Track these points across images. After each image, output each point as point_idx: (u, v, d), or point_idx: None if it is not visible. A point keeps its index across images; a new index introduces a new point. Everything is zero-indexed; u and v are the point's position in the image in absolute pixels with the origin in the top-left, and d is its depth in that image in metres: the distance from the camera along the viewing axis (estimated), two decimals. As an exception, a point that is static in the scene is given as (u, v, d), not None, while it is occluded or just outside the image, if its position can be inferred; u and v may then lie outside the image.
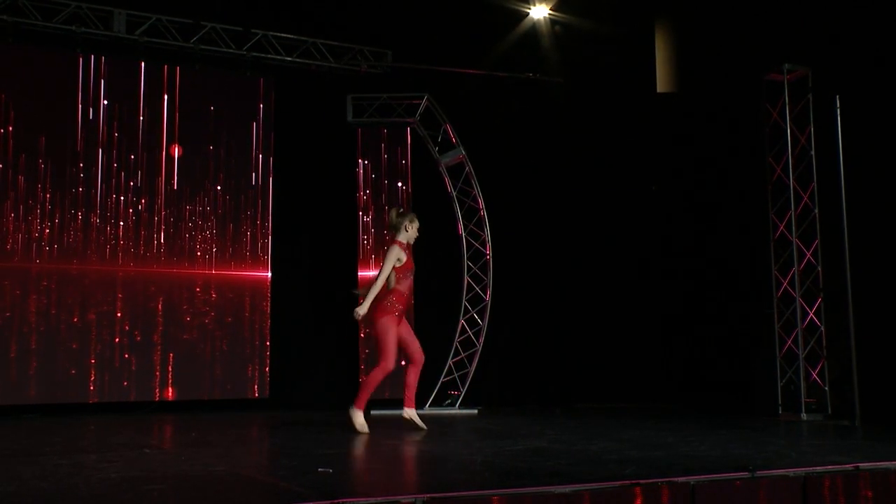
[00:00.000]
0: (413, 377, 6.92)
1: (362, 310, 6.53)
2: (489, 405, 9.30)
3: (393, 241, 6.78)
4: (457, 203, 9.41)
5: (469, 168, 9.38)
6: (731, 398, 9.13)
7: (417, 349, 6.90)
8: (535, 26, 10.17)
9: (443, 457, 5.28)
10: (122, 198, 9.04)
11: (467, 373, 9.17)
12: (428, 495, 3.56)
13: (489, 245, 9.36)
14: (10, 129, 8.67)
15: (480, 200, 9.38)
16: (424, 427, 6.82)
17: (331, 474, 4.33)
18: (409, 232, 6.79)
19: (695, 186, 10.29)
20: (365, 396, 6.75)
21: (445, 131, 9.42)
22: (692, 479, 3.95)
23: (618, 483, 3.84)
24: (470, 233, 9.42)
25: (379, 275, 6.62)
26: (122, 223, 9.01)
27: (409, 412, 6.92)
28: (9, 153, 8.65)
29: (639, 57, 10.74)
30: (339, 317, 9.59)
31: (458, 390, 9.12)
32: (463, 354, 9.23)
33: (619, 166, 10.60)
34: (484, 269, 9.37)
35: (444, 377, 9.17)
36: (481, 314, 9.28)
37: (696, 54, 10.40)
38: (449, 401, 9.11)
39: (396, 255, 6.63)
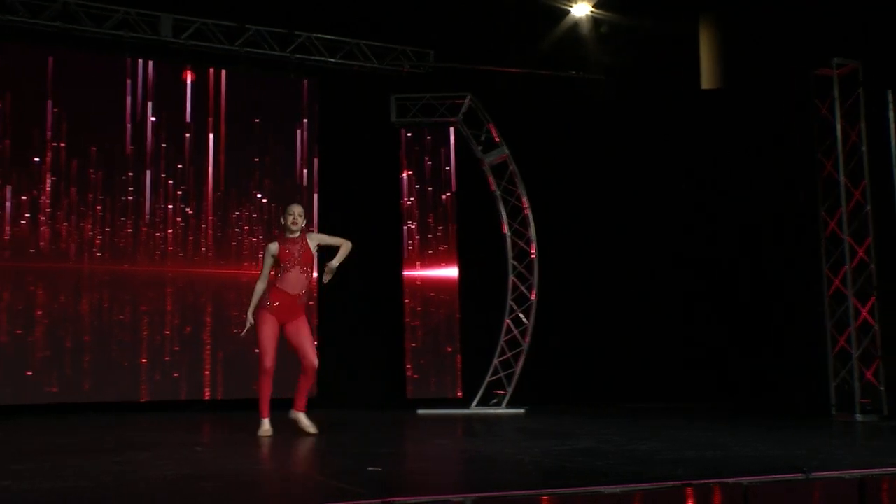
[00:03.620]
0: (302, 382, 6.53)
1: (249, 316, 6.34)
2: (536, 405, 9.27)
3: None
4: (501, 202, 9.39)
5: (513, 167, 9.36)
6: (782, 399, 9.00)
7: (306, 355, 6.46)
8: (576, 24, 10.12)
9: (491, 456, 5.28)
10: (170, 206, 9.16)
11: (513, 372, 9.15)
12: (478, 495, 3.57)
13: (534, 244, 9.33)
14: (63, 144, 8.83)
15: (524, 199, 9.36)
16: (313, 431, 6.41)
17: (380, 473, 4.36)
18: (284, 223, 6.38)
19: (741, 184, 10.16)
20: (261, 403, 6.43)
21: (488, 130, 9.41)
22: (745, 479, 3.89)
23: (669, 484, 3.81)
24: (514, 232, 9.40)
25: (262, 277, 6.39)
26: (170, 230, 9.14)
27: (295, 414, 6.53)
28: (61, 161, 8.81)
29: (682, 53, 10.62)
30: (384, 318, 9.67)
31: (505, 390, 9.10)
32: (509, 354, 9.21)
33: (662, 163, 10.51)
34: (529, 268, 9.34)
35: (491, 377, 9.17)
36: (527, 313, 9.25)
37: (742, 50, 10.26)
38: (495, 400, 9.10)
39: (270, 252, 6.32)
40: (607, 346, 10.23)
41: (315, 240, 6.48)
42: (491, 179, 9.39)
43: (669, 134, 10.48)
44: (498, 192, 9.38)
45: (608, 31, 10.03)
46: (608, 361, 10.20)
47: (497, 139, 9.38)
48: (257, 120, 9.62)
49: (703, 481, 3.83)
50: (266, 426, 6.31)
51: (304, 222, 6.43)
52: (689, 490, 3.71)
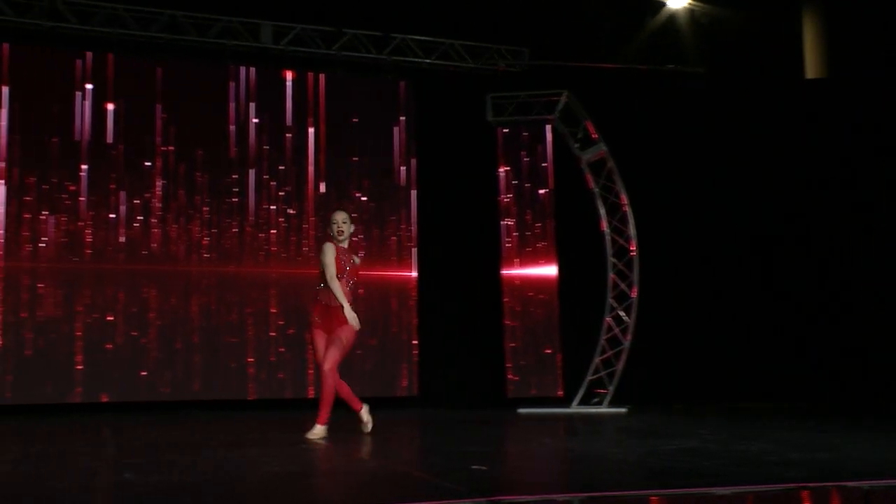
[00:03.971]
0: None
1: (350, 312, 6.04)
2: (637, 404, 9.14)
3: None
4: (599, 199, 9.29)
5: (611, 164, 9.25)
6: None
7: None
8: (673, 16, 9.93)
9: (595, 456, 5.23)
10: (273, 207, 9.39)
11: (614, 371, 9.05)
12: (586, 494, 3.54)
13: (633, 241, 9.20)
14: (172, 148, 9.16)
15: (623, 196, 9.23)
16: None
17: (485, 472, 4.37)
18: (331, 232, 6.16)
19: (850, 175, 9.80)
20: (324, 409, 6.09)
21: (585, 127, 9.31)
22: (866, 483, 3.75)
23: (783, 486, 3.70)
24: (613, 229, 9.28)
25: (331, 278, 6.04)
26: (273, 231, 9.37)
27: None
28: (170, 165, 9.15)
29: (785, 42, 10.31)
30: (484, 316, 9.68)
31: (606, 389, 9.01)
32: (609, 352, 9.11)
33: (766, 156, 10.21)
34: (629, 265, 9.21)
35: (591, 376, 9.08)
36: (627, 312, 9.13)
37: (849, 37, 9.90)
38: (597, 399, 9.00)
39: (332, 250, 6.06)
40: (709, 344, 10.00)
41: (358, 259, 6.28)
42: (589, 177, 9.30)
43: (772, 124, 10.18)
44: (596, 190, 9.28)
45: (706, 22, 9.82)
46: (710, 359, 9.98)
47: (594, 136, 9.28)
48: (355, 120, 9.78)
49: (820, 484, 3.70)
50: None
51: (352, 229, 6.22)
52: (805, 493, 3.60)
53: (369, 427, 6.31)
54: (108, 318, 8.83)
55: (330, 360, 6.05)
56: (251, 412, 8.74)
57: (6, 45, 8.77)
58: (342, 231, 6.12)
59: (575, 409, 8.89)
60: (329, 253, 6.04)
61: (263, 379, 9.16)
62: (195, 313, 9.11)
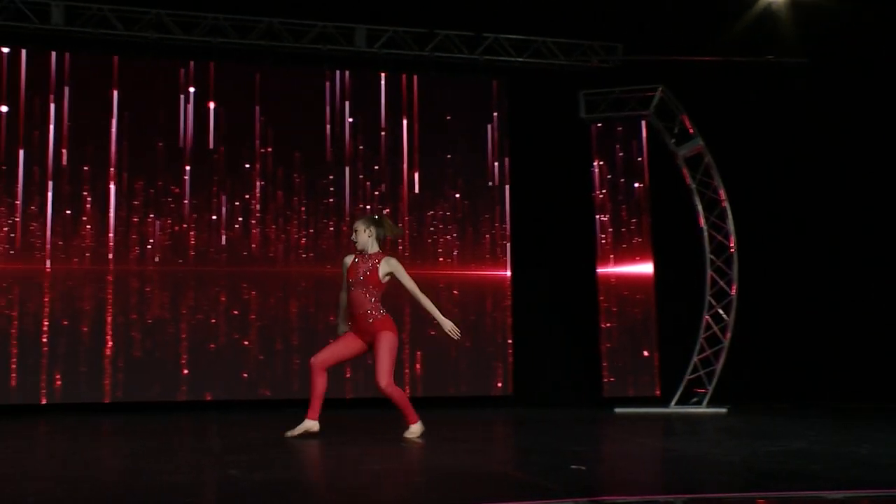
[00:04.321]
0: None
1: (341, 325, 6.13)
2: (738, 404, 8.93)
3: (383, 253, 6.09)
4: (697, 195, 9.11)
5: (708, 159, 9.06)
6: None
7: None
8: (771, 5, 9.64)
9: (697, 457, 5.13)
10: (368, 207, 9.53)
11: (713, 370, 8.86)
12: (690, 496, 3.48)
13: (733, 237, 8.99)
14: (270, 149, 9.40)
15: (722, 192, 9.03)
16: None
17: (584, 472, 4.33)
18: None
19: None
20: (406, 411, 6.02)
21: (682, 122, 9.15)
22: None
23: (899, 489, 3.56)
24: (712, 225, 9.09)
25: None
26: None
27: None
28: (268, 168, 9.38)
29: (892, 28, 9.89)
30: (580, 314, 9.61)
31: (705, 388, 8.83)
32: (709, 351, 8.92)
33: (871, 148, 9.83)
34: (728, 262, 9.01)
35: (690, 375, 8.91)
36: (727, 309, 8.93)
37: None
38: (695, 399, 8.83)
39: (343, 265, 6.10)
40: (813, 343, 9.69)
41: (390, 267, 5.99)
42: (686, 172, 9.13)
43: (877, 115, 9.78)
44: (693, 186, 9.11)
45: (807, 10, 9.50)
46: (814, 358, 9.67)
47: (691, 130, 9.10)
48: (448, 118, 9.84)
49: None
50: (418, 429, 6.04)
51: (371, 236, 6.02)
52: (922, 497, 3.46)
53: (294, 433, 6.04)
54: (212, 321, 9.10)
55: (384, 375, 5.90)
56: (348, 411, 8.87)
57: (115, 58, 9.13)
58: (355, 239, 6.06)
59: (673, 408, 8.75)
60: (343, 266, 6.07)
61: (360, 379, 9.29)
62: (294, 315, 9.31)
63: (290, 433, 6.00)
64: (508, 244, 9.81)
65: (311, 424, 6.00)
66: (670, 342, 9.28)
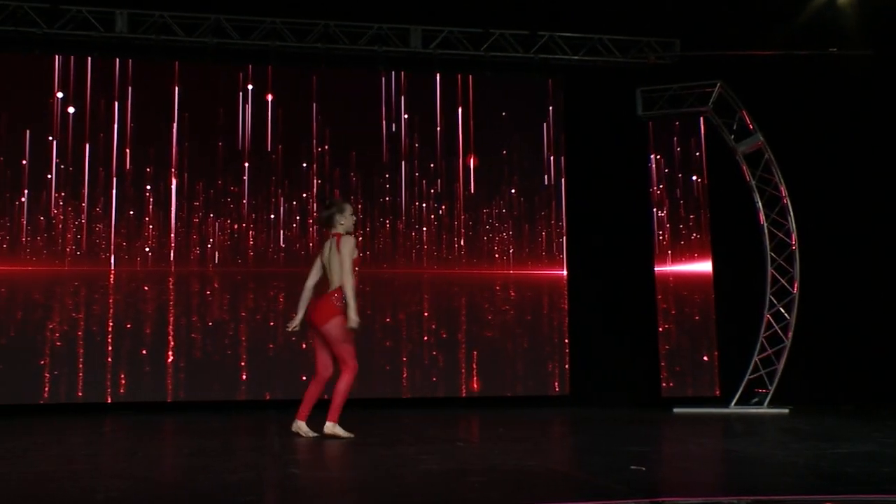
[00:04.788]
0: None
1: (355, 316, 5.91)
2: (800, 404, 8.76)
3: (343, 233, 6.08)
4: (756, 192, 8.96)
5: (768, 155, 8.90)
6: None
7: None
8: (834, -1, 9.44)
9: (759, 458, 5.04)
10: (423, 204, 9.56)
11: (775, 370, 8.70)
12: (752, 497, 3.42)
13: (794, 235, 8.82)
14: (326, 148, 9.50)
15: (783, 188, 8.87)
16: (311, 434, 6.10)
17: (644, 472, 4.29)
18: (351, 222, 6.16)
19: None
20: (336, 408, 6.02)
21: (741, 118, 9.01)
22: None
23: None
24: (772, 222, 8.93)
25: (346, 273, 5.92)
26: (425, 228, 9.54)
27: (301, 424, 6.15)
28: (325, 167, 9.47)
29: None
30: (637, 313, 9.52)
31: (766, 388, 8.68)
32: (770, 351, 8.77)
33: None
34: (789, 260, 8.84)
35: (751, 374, 8.77)
36: (788, 308, 8.77)
37: None
38: (756, 399, 8.69)
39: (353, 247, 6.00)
40: (879, 341, 9.47)
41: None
42: (745, 169, 8.98)
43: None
44: (753, 182, 8.96)
45: (871, 0, 9.27)
46: (880, 358, 9.44)
47: (750, 126, 8.96)
48: (504, 115, 9.82)
49: None
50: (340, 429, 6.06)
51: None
52: None
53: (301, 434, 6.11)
54: (270, 324, 9.21)
55: (350, 361, 5.95)
56: (405, 410, 8.91)
57: (176, 63, 9.30)
58: (343, 223, 6.09)
59: (733, 409, 8.62)
60: (354, 250, 5.99)
61: (417, 377, 9.33)
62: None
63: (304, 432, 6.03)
64: (564, 242, 9.76)
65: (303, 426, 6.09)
66: (730, 341, 9.13)
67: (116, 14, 8.97)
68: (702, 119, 9.33)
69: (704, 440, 6.13)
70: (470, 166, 9.72)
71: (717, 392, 9.06)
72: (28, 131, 8.99)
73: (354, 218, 6.27)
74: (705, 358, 9.09)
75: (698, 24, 9.57)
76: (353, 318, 5.89)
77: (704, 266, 9.18)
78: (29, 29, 8.89)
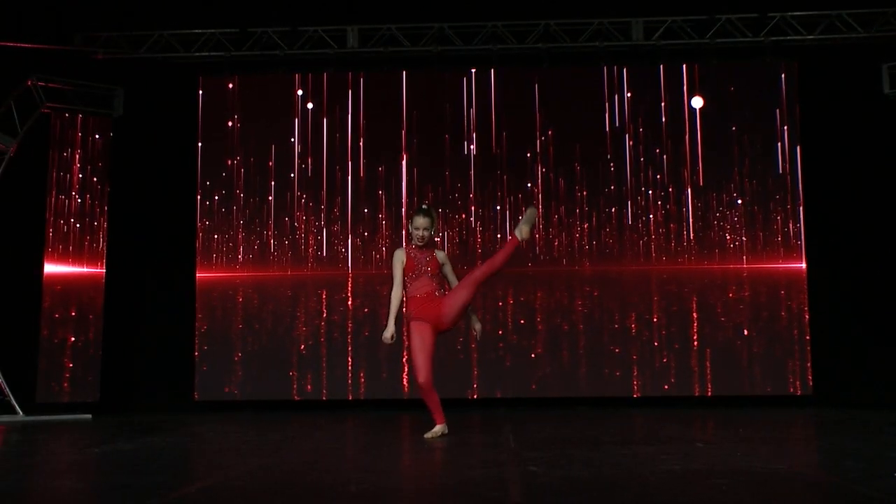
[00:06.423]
0: None
1: (388, 331, 5.91)
2: None
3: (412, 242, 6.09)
4: None
5: None
6: None
7: None
8: None
9: None
10: (650, 191, 9.37)
11: None
12: None
13: None
14: (550, 133, 9.52)
15: None
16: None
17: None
18: (413, 233, 6.04)
19: None
20: (434, 411, 6.09)
21: None
22: None
23: None
24: None
25: (393, 282, 6.02)
26: (651, 216, 9.34)
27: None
28: (549, 160, 9.48)
29: None
30: (884, 308, 8.86)
31: None
32: None
33: None
34: None
35: None
36: None
37: None
38: None
39: (399, 259, 6.00)
40: None
41: (441, 259, 6.13)
42: None
43: None
44: None
45: None
46: None
47: None
48: (733, 102, 9.46)
49: None
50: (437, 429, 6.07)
51: (429, 234, 6.04)
52: None
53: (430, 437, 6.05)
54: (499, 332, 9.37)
55: (415, 373, 6.03)
56: (633, 409, 8.77)
57: (405, 72, 9.67)
58: (423, 238, 6.02)
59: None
60: (396, 261, 6.03)
61: (647, 375, 9.16)
62: (578, 314, 9.35)
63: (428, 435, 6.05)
64: (802, 233, 9.23)
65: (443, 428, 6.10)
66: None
67: (348, 30, 9.46)
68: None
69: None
70: (698, 157, 9.41)
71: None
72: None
73: (415, 231, 6.08)
74: None
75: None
76: (387, 327, 5.96)
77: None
78: (272, 52, 9.56)
